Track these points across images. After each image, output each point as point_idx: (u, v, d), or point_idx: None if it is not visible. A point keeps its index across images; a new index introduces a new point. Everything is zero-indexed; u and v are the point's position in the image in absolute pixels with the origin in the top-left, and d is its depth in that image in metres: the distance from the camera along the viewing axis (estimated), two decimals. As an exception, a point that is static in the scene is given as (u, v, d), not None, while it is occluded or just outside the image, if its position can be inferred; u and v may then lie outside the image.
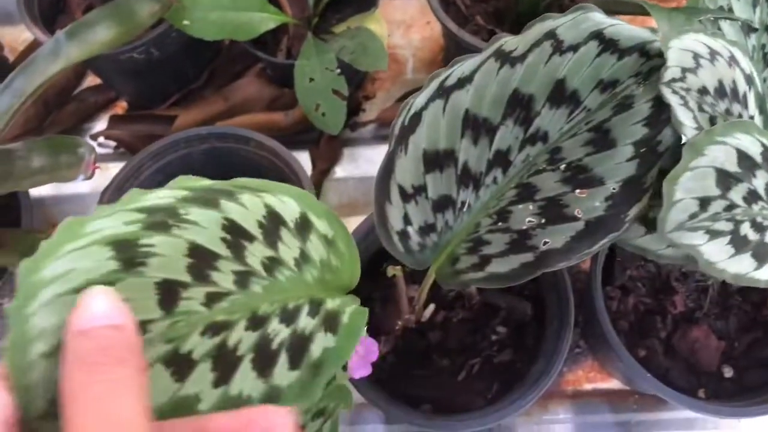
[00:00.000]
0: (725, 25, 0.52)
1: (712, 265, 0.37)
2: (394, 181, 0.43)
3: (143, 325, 0.29)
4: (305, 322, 0.34)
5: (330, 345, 0.34)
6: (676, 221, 0.36)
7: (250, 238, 0.34)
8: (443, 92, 0.42)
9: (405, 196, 0.43)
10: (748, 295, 0.58)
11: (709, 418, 0.63)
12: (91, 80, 0.82)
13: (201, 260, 0.31)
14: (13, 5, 0.71)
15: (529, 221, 0.41)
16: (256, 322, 0.33)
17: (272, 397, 0.31)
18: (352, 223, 0.58)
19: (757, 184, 0.40)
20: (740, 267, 0.38)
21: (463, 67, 0.42)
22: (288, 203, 0.37)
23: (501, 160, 0.42)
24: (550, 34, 0.40)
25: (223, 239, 0.33)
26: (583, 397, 0.66)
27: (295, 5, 0.74)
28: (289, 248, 0.36)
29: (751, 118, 0.46)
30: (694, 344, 0.55)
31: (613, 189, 0.40)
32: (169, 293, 0.30)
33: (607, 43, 0.40)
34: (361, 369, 0.43)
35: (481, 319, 0.58)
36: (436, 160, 0.43)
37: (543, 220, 0.41)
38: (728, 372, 0.55)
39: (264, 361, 0.32)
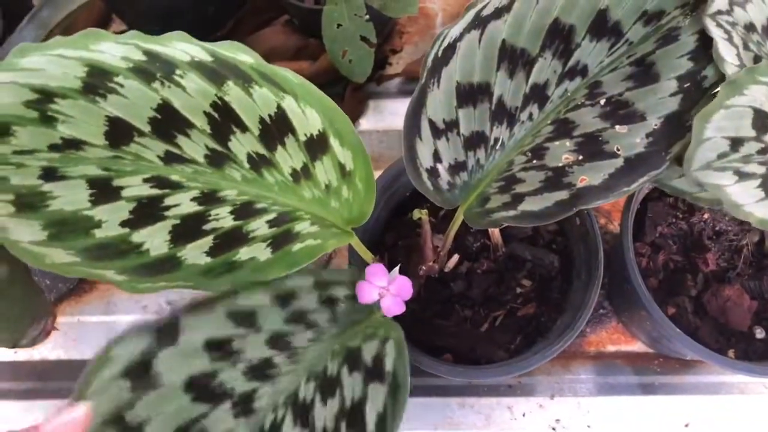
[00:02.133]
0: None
1: (739, 208, 0.35)
2: (425, 116, 0.41)
3: (77, 144, 0.31)
4: None
5: None
6: (704, 160, 0.35)
7: (244, 128, 0.35)
8: (479, 22, 0.40)
9: (436, 132, 0.42)
10: (783, 255, 0.56)
11: (735, 383, 0.62)
12: (116, 26, 0.81)
13: (169, 120, 0.33)
14: (39, -55, 0.70)
15: (566, 158, 0.40)
16: (211, 199, 0.35)
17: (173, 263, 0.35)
18: (375, 175, 0.57)
19: (799, 129, 0.39)
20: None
21: (501, -4, 0.40)
22: (310, 117, 0.37)
23: (538, 94, 0.41)
24: (595, -38, 0.39)
25: (208, 114, 0.34)
26: (606, 359, 0.64)
27: (324, -48, 0.72)
28: (289, 157, 0.37)
29: (799, 63, 0.44)
30: (726, 303, 0.54)
31: (655, 125, 0.38)
32: (118, 131, 0.32)
33: (654, -28, 0.38)
34: (394, 307, 0.42)
35: (505, 271, 0.57)
36: (469, 94, 0.41)
37: (580, 157, 0.39)
38: (760, 333, 0.54)
39: (189, 235, 0.35)
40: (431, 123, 0.41)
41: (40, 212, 0.31)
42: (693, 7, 0.38)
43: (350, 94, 0.73)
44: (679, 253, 0.57)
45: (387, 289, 0.42)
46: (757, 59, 0.40)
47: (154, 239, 0.34)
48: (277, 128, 0.36)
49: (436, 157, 0.42)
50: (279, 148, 0.37)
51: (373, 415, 0.34)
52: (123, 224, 0.33)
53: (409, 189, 0.59)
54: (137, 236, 0.34)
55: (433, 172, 0.42)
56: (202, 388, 0.34)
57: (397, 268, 0.43)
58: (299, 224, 0.39)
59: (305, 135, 0.37)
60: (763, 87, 0.38)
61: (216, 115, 0.35)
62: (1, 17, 0.59)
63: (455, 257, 0.56)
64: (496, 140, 0.42)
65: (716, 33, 0.37)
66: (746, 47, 0.40)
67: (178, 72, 0.34)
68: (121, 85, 0.33)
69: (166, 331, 0.34)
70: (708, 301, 0.55)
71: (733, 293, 0.54)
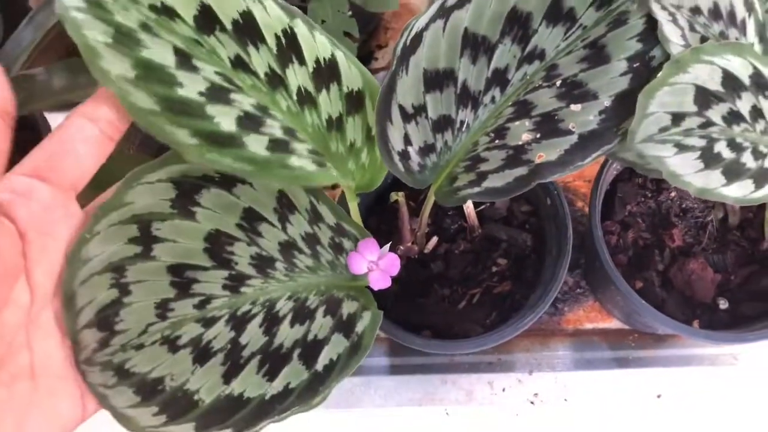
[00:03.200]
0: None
1: (678, 177, 0.38)
2: (395, 102, 0.44)
3: (172, 13, 0.36)
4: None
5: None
6: (646, 133, 0.37)
7: (302, 61, 0.41)
8: (444, 12, 0.43)
9: (406, 117, 0.44)
10: (746, 231, 0.59)
11: (706, 355, 0.65)
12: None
13: (248, 27, 0.38)
14: (34, -50, 0.73)
15: (525, 137, 0.42)
16: (265, 112, 0.39)
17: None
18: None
19: (740, 106, 0.41)
20: (707, 182, 0.39)
21: (464, -13, 0.43)
22: (354, 73, 0.43)
23: (499, 78, 0.44)
24: (548, -47, 0.42)
25: (278, 37, 0.39)
26: (583, 336, 0.67)
27: (308, -49, 0.75)
28: (330, 103, 0.42)
29: (750, 45, 0.47)
30: (691, 276, 0.56)
31: (607, 103, 0.41)
32: (206, 18, 0.37)
33: (604, -39, 0.41)
34: (381, 281, 0.45)
35: (482, 251, 0.60)
36: (436, 80, 0.44)
37: (538, 135, 0.42)
38: (723, 304, 0.56)
39: (250, 127, 0.38)
40: (401, 108, 0.44)
41: (132, 52, 0.34)
42: (640, -7, 0.41)
43: (335, 88, 0.76)
44: (647, 230, 0.60)
45: (376, 264, 0.45)
46: (704, 40, 0.43)
47: (224, 118, 0.37)
48: (327, 72, 0.42)
49: (407, 140, 0.45)
50: (323, 91, 0.42)
51: (326, 358, 0.38)
52: (200, 94, 0.36)
53: (390, 177, 0.62)
54: (211, 109, 0.36)
55: (404, 155, 0.45)
56: (220, 245, 0.39)
57: (387, 245, 0.46)
58: (328, 163, 0.43)
59: (347, 88, 0.43)
60: (707, 66, 0.41)
61: (283, 41, 0.40)
62: (1, 23, 0.62)
63: (434, 239, 0.59)
64: (462, 123, 0.45)
65: (661, 15, 0.40)
66: (692, 29, 0.42)
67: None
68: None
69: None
70: (674, 275, 0.57)
71: (697, 267, 0.56)
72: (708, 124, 0.40)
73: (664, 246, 0.58)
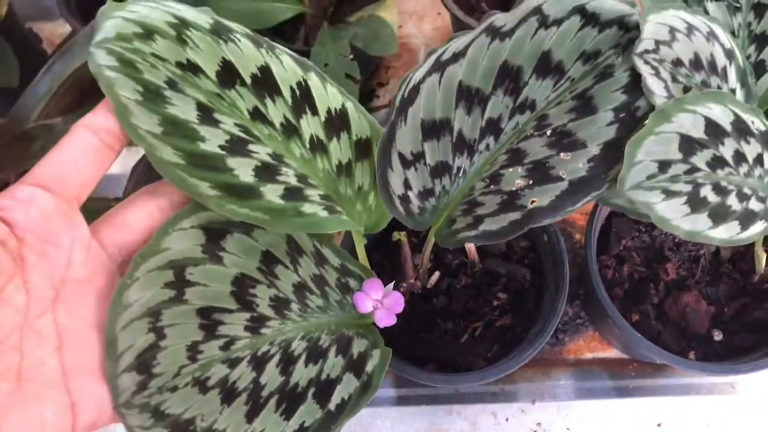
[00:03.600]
0: (712, 4, 0.55)
1: (666, 222, 0.40)
2: (395, 149, 0.47)
3: (196, 69, 0.39)
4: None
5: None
6: (635, 180, 0.39)
7: (314, 111, 0.44)
8: (439, 66, 0.46)
9: (405, 163, 0.47)
10: (737, 264, 0.60)
11: (704, 384, 0.66)
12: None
13: (265, 81, 0.41)
14: (51, 0, 0.77)
15: (518, 183, 0.45)
16: (280, 160, 0.41)
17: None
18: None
19: (723, 151, 0.43)
20: (695, 225, 0.41)
21: (457, 42, 0.46)
22: (363, 122, 0.47)
23: (493, 127, 0.46)
24: (537, 10, 0.44)
25: (293, 89, 0.43)
26: (584, 365, 0.69)
27: (312, -3, 0.78)
28: (340, 150, 0.45)
29: (732, 91, 0.49)
30: (685, 309, 0.58)
31: (595, 152, 0.43)
32: (228, 74, 0.40)
33: (589, 17, 0.44)
34: (386, 319, 0.47)
35: (483, 286, 0.62)
36: (433, 129, 0.46)
37: (530, 182, 0.44)
38: (717, 335, 0.58)
39: (267, 177, 0.41)
40: (400, 155, 0.47)
41: (159, 108, 0.37)
42: (624, 47, 0.43)
43: (340, 126, 0.79)
44: (642, 264, 0.62)
45: (381, 302, 0.47)
46: (686, 89, 0.45)
47: (242, 169, 0.39)
48: (338, 121, 0.45)
49: (407, 185, 0.47)
50: (334, 139, 0.45)
51: (339, 397, 0.40)
52: (221, 147, 0.39)
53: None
54: (231, 161, 0.39)
55: (404, 199, 0.47)
56: (244, 288, 0.42)
57: (391, 284, 0.48)
58: (338, 207, 0.45)
59: (357, 136, 0.46)
60: (690, 115, 0.43)
61: (298, 93, 0.43)
62: (18, 70, 0.65)
63: (436, 274, 0.61)
64: (459, 169, 0.47)
65: (644, 69, 0.43)
66: (675, 80, 0.45)
67: (278, 50, 0.43)
68: (239, 40, 0.41)
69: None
70: (669, 307, 0.59)
71: (691, 299, 0.58)
72: (693, 170, 0.42)
73: (659, 279, 0.60)
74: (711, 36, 0.48)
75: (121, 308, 0.38)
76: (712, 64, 0.47)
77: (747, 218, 0.44)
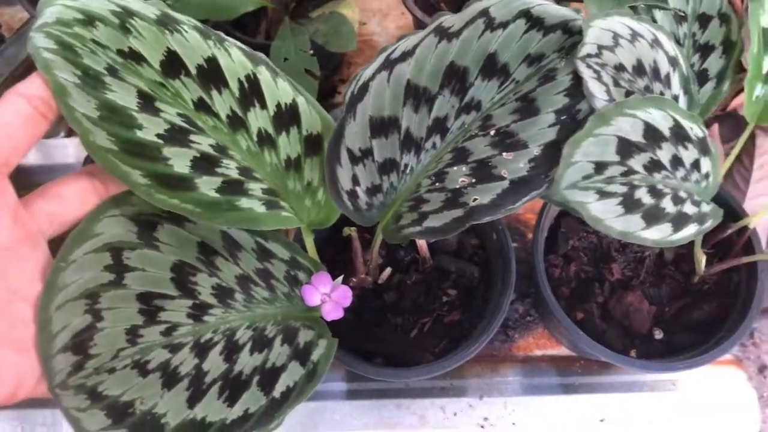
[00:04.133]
0: (659, 13, 0.56)
1: (599, 221, 0.41)
2: (344, 145, 0.47)
3: (139, 58, 0.39)
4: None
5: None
6: (570, 180, 0.41)
7: (263, 105, 0.44)
8: (388, 64, 0.46)
9: (353, 159, 0.47)
10: (680, 265, 0.62)
11: (647, 382, 0.68)
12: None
13: (212, 73, 0.41)
14: (11, -15, 0.76)
15: (462, 181, 0.46)
16: (223, 152, 0.42)
17: None
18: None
19: (661, 155, 0.45)
20: (628, 226, 0.42)
21: (407, 42, 0.46)
22: (313, 118, 0.46)
23: (439, 126, 0.47)
24: (484, 12, 0.45)
25: (241, 82, 0.42)
26: (532, 362, 0.70)
27: (274, -9, 0.78)
28: (289, 144, 0.45)
29: (675, 98, 0.51)
30: (628, 308, 0.60)
31: (536, 152, 0.44)
32: (172, 64, 0.40)
33: (534, 21, 0.45)
34: (333, 312, 0.47)
35: (433, 282, 0.63)
36: (381, 126, 0.47)
37: (474, 180, 0.45)
38: (659, 334, 0.60)
39: (205, 168, 0.41)
40: (349, 151, 0.47)
41: (98, 93, 0.37)
42: (567, 51, 0.45)
43: (299, 121, 0.79)
44: (589, 264, 0.63)
45: (329, 296, 0.48)
46: (629, 94, 0.46)
47: (179, 159, 0.40)
48: (288, 116, 0.45)
49: (355, 180, 0.48)
50: (283, 134, 0.45)
51: (283, 384, 0.41)
52: (158, 136, 0.39)
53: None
54: (167, 150, 0.39)
55: (352, 194, 0.48)
56: (184, 275, 0.42)
57: (340, 278, 0.49)
58: (282, 203, 0.46)
59: (307, 131, 0.46)
60: (630, 119, 0.44)
61: (246, 86, 0.43)
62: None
63: (388, 270, 0.62)
64: (406, 166, 0.48)
65: (586, 73, 0.44)
66: (617, 84, 0.46)
67: (227, 42, 0.43)
68: (186, 31, 0.41)
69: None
70: (613, 307, 0.61)
71: (634, 299, 0.60)
72: (629, 172, 0.44)
73: (604, 279, 0.62)
74: (655, 43, 0.49)
75: (56, 289, 0.38)
76: (656, 71, 0.49)
77: (680, 221, 0.46)
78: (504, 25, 0.45)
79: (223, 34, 0.44)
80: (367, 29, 0.88)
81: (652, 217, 0.44)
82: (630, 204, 0.43)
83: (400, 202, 0.49)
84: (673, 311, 0.61)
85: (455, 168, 0.46)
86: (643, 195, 0.44)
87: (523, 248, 0.73)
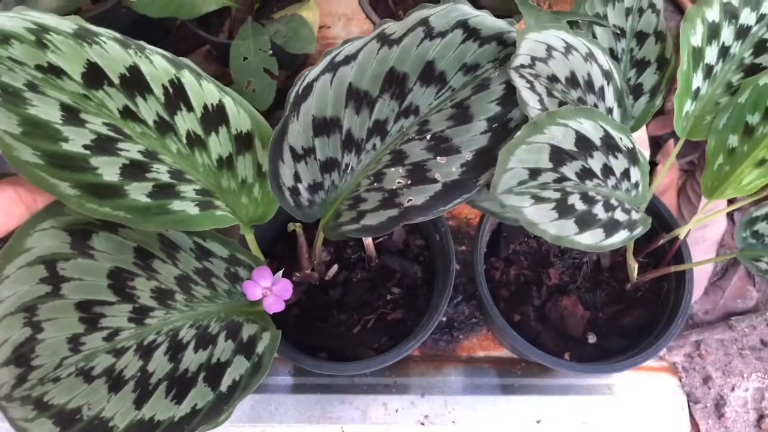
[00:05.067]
0: (599, 30, 0.59)
1: (534, 225, 0.43)
2: (287, 143, 0.49)
3: (59, 72, 0.39)
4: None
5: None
6: (506, 185, 0.43)
7: (190, 107, 0.44)
8: (332, 67, 0.48)
9: (296, 157, 0.49)
10: (615, 272, 0.65)
11: (584, 385, 0.70)
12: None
13: (135, 81, 0.42)
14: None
15: (398, 182, 0.47)
16: (153, 157, 0.42)
17: None
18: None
19: (592, 164, 0.47)
20: (561, 230, 0.44)
21: (351, 46, 0.48)
22: (242, 117, 0.47)
23: (379, 129, 0.49)
24: (424, 21, 0.47)
25: (165, 88, 0.43)
26: (475, 363, 0.72)
27: (239, -9, 0.80)
28: (220, 144, 0.46)
29: (609, 110, 0.53)
30: (563, 312, 0.62)
31: (468, 157, 0.46)
32: (94, 75, 0.40)
33: (471, 32, 0.47)
34: (275, 305, 0.49)
35: (378, 280, 0.64)
36: (323, 126, 0.49)
37: (409, 182, 0.47)
38: (592, 338, 0.62)
39: (134, 175, 0.42)
40: (292, 149, 0.49)
41: (19, 110, 0.38)
42: (501, 62, 0.47)
43: (258, 119, 0.80)
44: (528, 268, 0.65)
45: (270, 290, 0.49)
46: (562, 104, 0.49)
47: (107, 168, 0.40)
48: (215, 116, 0.46)
49: (297, 177, 0.49)
50: (213, 134, 0.46)
51: (229, 378, 0.42)
52: (85, 147, 0.40)
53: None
54: (95, 160, 0.40)
55: (294, 191, 0.50)
56: (122, 281, 0.43)
57: (281, 272, 0.50)
58: (217, 202, 0.47)
59: (236, 130, 0.47)
60: (562, 128, 0.46)
61: (171, 91, 0.43)
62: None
63: (334, 267, 0.64)
64: (347, 165, 0.50)
65: (519, 83, 0.46)
66: (550, 95, 0.48)
67: (148, 50, 0.43)
68: (105, 42, 0.41)
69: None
70: (549, 310, 0.63)
71: (570, 303, 0.62)
72: (562, 179, 0.46)
73: (542, 283, 0.64)
74: (590, 57, 0.51)
75: None
76: (589, 83, 0.51)
77: (611, 227, 0.48)
78: (442, 34, 0.47)
79: (143, 43, 0.44)
80: (330, 32, 0.90)
81: (585, 222, 0.46)
82: (563, 209, 0.45)
83: (340, 200, 0.50)
84: (606, 316, 0.63)
85: (393, 169, 0.48)
86: (576, 201, 0.46)
87: (471, 251, 0.75)
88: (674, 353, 0.75)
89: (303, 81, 0.48)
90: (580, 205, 0.46)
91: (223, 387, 0.42)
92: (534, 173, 0.45)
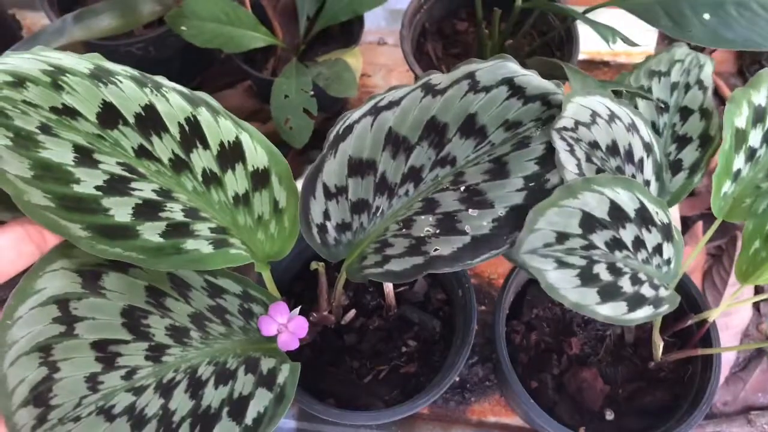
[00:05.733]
0: (642, 102, 0.59)
1: (554, 290, 0.42)
2: (320, 180, 0.49)
3: (74, 113, 0.39)
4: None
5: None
6: (531, 246, 0.42)
7: (206, 145, 0.44)
8: (375, 111, 0.48)
9: (328, 194, 0.49)
10: (639, 349, 0.63)
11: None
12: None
13: (150, 120, 0.42)
14: (38, -8, 0.79)
15: (427, 230, 0.47)
16: (167, 196, 0.42)
17: None
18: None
19: (624, 235, 0.46)
20: (582, 298, 0.43)
21: (395, 92, 0.49)
22: (259, 153, 0.46)
23: (414, 175, 0.48)
24: (470, 75, 0.47)
25: (181, 125, 0.43)
26: (485, 428, 0.70)
27: (287, 32, 0.82)
28: (236, 181, 0.45)
29: (647, 182, 0.53)
30: (582, 384, 0.60)
31: (501, 213, 0.46)
32: (109, 115, 0.40)
33: (516, 89, 0.47)
34: (290, 343, 0.48)
35: (395, 331, 0.63)
36: (359, 167, 0.49)
37: (438, 231, 0.46)
38: (609, 414, 0.60)
39: (147, 215, 0.42)
40: (325, 186, 0.49)
41: (31, 153, 0.37)
42: (544, 122, 0.46)
43: (292, 157, 0.81)
44: (550, 334, 0.64)
45: (285, 326, 0.48)
46: (600, 171, 0.48)
47: (119, 209, 0.40)
48: (232, 154, 0.45)
49: (326, 215, 0.49)
50: (229, 171, 0.45)
51: (254, 411, 0.41)
52: (97, 188, 0.39)
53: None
54: (107, 201, 0.40)
55: (322, 228, 0.49)
56: (136, 319, 0.42)
57: (297, 309, 0.49)
58: (232, 239, 0.46)
59: (253, 167, 0.46)
60: (597, 195, 0.45)
61: (187, 128, 0.43)
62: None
63: (352, 312, 0.63)
64: (378, 208, 0.49)
65: (559, 145, 0.45)
66: (589, 160, 0.47)
67: (164, 88, 0.43)
68: (121, 81, 0.41)
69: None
70: (568, 380, 0.61)
71: (589, 375, 0.60)
72: (590, 246, 0.45)
73: (563, 352, 0.62)
74: (632, 127, 0.51)
75: (6, 346, 0.38)
76: (629, 153, 0.50)
77: (636, 301, 0.47)
78: (487, 89, 0.47)
79: (161, 79, 0.44)
80: (371, 81, 0.91)
81: (608, 293, 0.45)
82: (587, 277, 0.44)
83: (367, 242, 0.50)
84: (626, 393, 0.61)
85: (423, 217, 0.47)
86: (601, 270, 0.45)
87: (491, 312, 0.74)
88: (692, 441, 0.72)
89: (345, 121, 0.48)
90: (605, 275, 0.45)
91: (248, 420, 0.41)
92: (561, 237, 0.44)
